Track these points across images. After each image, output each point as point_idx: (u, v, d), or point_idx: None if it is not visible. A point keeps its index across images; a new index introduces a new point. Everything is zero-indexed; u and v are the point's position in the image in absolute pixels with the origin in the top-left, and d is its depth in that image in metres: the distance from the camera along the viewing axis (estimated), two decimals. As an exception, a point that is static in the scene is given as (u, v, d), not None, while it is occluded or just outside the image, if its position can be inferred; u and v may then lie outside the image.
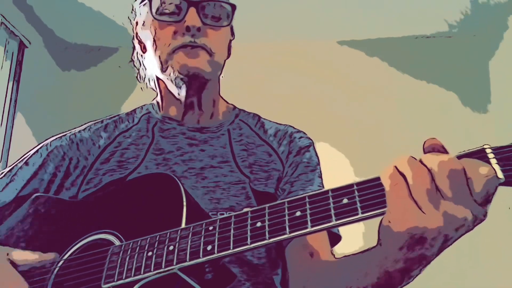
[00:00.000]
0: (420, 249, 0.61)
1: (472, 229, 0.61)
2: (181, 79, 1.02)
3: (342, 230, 1.00)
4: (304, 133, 1.13)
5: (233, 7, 1.05)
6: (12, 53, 3.08)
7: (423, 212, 0.58)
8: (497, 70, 3.20)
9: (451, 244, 0.62)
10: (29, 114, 3.22)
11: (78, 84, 3.48)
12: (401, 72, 3.32)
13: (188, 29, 0.99)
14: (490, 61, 3.26)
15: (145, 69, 1.11)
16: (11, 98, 3.07)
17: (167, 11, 1.02)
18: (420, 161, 0.60)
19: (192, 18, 0.99)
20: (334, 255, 0.94)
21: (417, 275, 0.65)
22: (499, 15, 3.05)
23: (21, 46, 3.16)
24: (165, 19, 1.02)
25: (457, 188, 0.58)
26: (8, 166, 1.12)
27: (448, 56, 3.33)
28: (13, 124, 3.10)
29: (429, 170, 0.59)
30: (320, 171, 1.07)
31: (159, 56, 1.02)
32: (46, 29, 3.37)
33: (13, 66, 3.09)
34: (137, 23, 1.11)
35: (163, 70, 1.03)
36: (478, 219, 0.60)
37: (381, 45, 3.37)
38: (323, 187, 1.04)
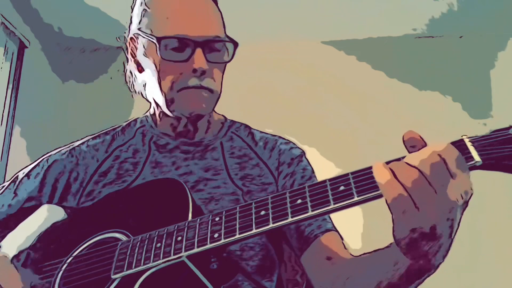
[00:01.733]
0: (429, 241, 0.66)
1: (467, 204, 0.66)
2: (185, 117, 1.07)
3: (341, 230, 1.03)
4: (294, 143, 1.15)
5: (235, 44, 1.06)
6: (12, 53, 3.08)
7: (418, 210, 0.64)
8: (498, 70, 3.20)
9: (459, 222, 0.67)
10: (29, 114, 3.22)
11: (78, 84, 3.48)
12: (397, 73, 3.28)
13: (194, 71, 1.01)
14: (491, 62, 3.25)
15: (136, 78, 1.13)
16: (11, 98, 3.07)
17: (173, 47, 1.02)
18: (408, 163, 0.65)
19: (199, 60, 1.00)
20: (350, 253, 0.95)
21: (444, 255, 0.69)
22: (502, 14, 3.05)
23: (21, 46, 3.17)
24: (171, 58, 1.02)
25: (443, 178, 0.64)
26: (9, 168, 1.16)
27: (448, 56, 3.31)
28: (13, 124, 3.10)
29: (420, 171, 0.64)
30: (316, 179, 1.08)
31: (164, 92, 1.04)
32: (46, 29, 3.37)
33: (13, 66, 3.10)
34: (131, 39, 1.11)
35: (167, 106, 1.05)
36: (465, 194, 0.65)
37: (380, 45, 3.34)
38: None
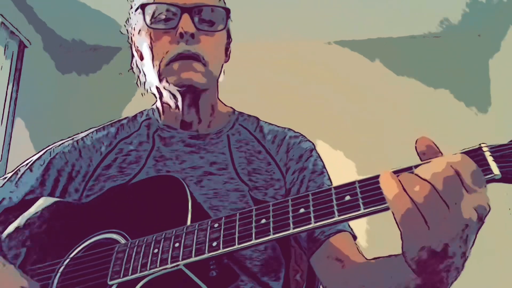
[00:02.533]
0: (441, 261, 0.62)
1: (484, 221, 0.61)
2: (177, 90, 1.02)
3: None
4: (304, 136, 1.11)
5: (227, 11, 1.04)
6: (12, 53, 3.08)
7: (428, 227, 0.59)
8: (498, 70, 3.20)
9: (474, 240, 0.62)
10: (29, 114, 3.22)
11: (78, 83, 3.48)
12: (399, 72, 3.30)
13: (181, 35, 0.98)
14: (491, 61, 3.25)
15: (145, 75, 1.11)
16: (11, 98, 3.07)
17: (161, 17, 1.01)
18: (418, 176, 0.60)
19: (185, 24, 0.98)
20: (363, 255, 0.92)
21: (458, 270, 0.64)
22: (503, 14, 3.05)
23: (21, 46, 3.16)
24: (159, 26, 1.01)
25: (457, 193, 0.59)
26: (9, 167, 1.14)
27: (447, 56, 3.32)
28: (13, 123, 3.10)
29: (432, 185, 0.59)
30: (328, 174, 1.05)
31: (156, 67, 1.02)
32: (46, 29, 3.37)
33: (13, 66, 3.09)
34: (133, 31, 1.10)
35: (160, 81, 1.03)
36: (481, 210, 0.60)
37: (381, 45, 3.36)
38: None
